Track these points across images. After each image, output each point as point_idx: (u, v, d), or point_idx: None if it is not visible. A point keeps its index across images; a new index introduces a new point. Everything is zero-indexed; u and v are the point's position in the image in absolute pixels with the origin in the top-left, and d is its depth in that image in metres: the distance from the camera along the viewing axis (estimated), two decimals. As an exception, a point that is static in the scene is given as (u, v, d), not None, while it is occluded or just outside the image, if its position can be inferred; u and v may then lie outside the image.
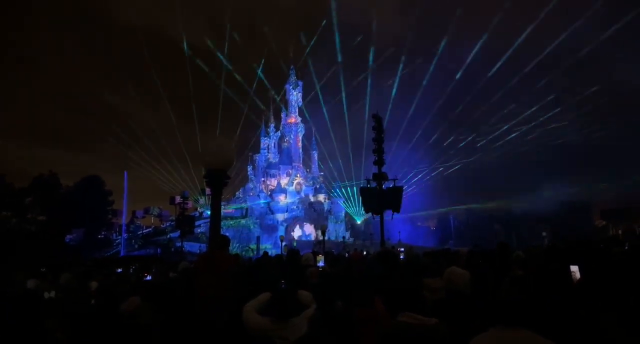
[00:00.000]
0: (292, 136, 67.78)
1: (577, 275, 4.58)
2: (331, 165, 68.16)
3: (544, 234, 47.77)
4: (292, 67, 69.37)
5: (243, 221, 60.37)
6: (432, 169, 65.86)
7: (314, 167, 69.40)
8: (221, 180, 5.79)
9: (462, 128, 67.09)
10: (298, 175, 65.70)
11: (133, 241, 56.77)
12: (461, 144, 66.75)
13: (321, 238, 27.24)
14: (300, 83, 68.88)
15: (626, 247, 8.41)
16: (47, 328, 6.24)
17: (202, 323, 4.93)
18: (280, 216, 61.22)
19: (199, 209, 64.25)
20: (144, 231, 60.01)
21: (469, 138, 66.38)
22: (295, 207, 62.38)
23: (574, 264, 4.64)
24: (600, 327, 3.08)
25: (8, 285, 7.65)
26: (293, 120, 68.19)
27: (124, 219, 57.70)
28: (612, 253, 6.34)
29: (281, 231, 57.38)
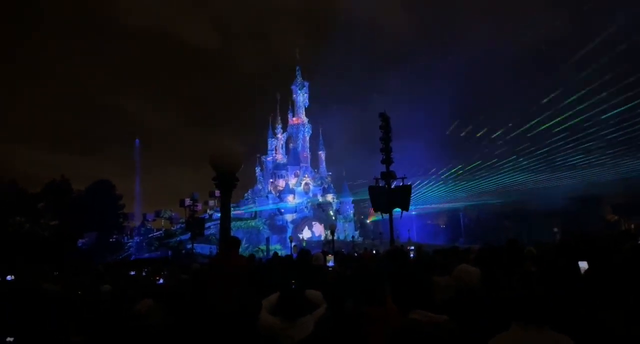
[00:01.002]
0: (299, 137, 67.88)
1: (585, 270, 4.57)
2: (340, 164, 68.35)
3: (555, 230, 47.33)
4: (298, 67, 69.60)
5: (252, 222, 60.56)
6: (446, 167, 65.49)
7: (322, 167, 69.45)
8: (230, 182, 5.85)
9: (477, 124, 66.59)
10: (306, 175, 65.79)
11: (144, 243, 57.19)
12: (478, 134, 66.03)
13: (330, 238, 27.25)
14: (306, 84, 69.01)
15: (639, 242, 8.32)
16: (61, 330, 6.34)
17: (214, 324, 4.97)
18: (289, 217, 61.32)
19: (208, 211, 64.57)
20: (155, 234, 60.38)
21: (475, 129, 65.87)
22: (304, 207, 62.46)
23: (582, 260, 4.63)
24: (602, 323, 3.07)
25: (23, 287, 7.77)
26: (300, 121, 68.29)
27: (138, 206, 58.12)
28: (623, 249, 6.28)
29: (290, 232, 57.47)
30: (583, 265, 4.68)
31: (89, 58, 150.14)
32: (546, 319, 2.33)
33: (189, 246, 38.53)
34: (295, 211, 61.99)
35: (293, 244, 44.35)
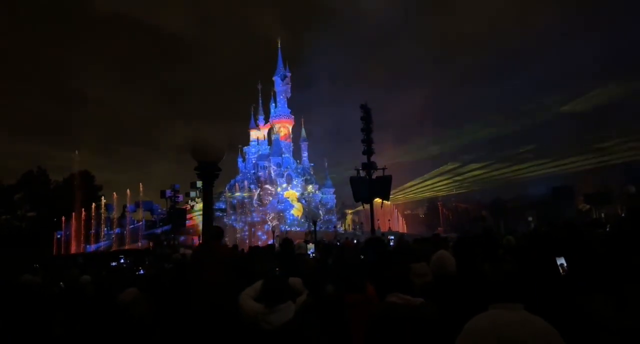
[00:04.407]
0: (281, 128, 67.66)
1: (565, 267, 4.56)
2: (323, 155, 68.57)
3: (529, 219, 48.64)
4: (280, 57, 69.09)
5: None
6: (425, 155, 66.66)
7: (304, 158, 69.46)
8: (212, 172, 5.89)
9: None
10: (288, 166, 65.73)
11: (125, 234, 56.52)
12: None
13: (312, 228, 27.45)
14: (288, 74, 68.55)
15: (607, 229, 8.68)
16: (45, 322, 6.33)
17: (198, 313, 5.05)
18: (271, 208, 61.30)
19: (189, 202, 64.00)
20: (136, 225, 59.66)
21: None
22: (286, 198, 62.54)
23: (559, 255, 4.61)
24: (588, 308, 3.19)
25: (5, 281, 7.72)
26: (281, 111, 68.01)
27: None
28: (594, 235, 6.53)
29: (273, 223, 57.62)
30: (560, 261, 4.64)
31: (62, 45, 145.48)
32: (519, 298, 2.43)
33: (170, 237, 38.33)
34: (278, 202, 62.00)
35: (276, 234, 44.54)
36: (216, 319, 4.81)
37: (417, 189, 72.00)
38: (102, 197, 54.80)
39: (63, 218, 48.15)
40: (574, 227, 5.67)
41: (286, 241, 7.64)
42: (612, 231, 7.49)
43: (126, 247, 48.69)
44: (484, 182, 65.53)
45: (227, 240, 47.31)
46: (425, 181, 71.14)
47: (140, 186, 54.41)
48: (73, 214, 48.08)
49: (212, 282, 5.09)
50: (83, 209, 50.03)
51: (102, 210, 53.97)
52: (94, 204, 51.78)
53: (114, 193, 55.29)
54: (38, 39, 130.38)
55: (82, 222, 51.28)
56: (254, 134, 70.13)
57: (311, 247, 8.40)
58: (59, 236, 48.63)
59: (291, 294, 3.78)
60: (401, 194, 70.40)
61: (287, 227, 57.55)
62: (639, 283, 3.04)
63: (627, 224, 4.47)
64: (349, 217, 69.34)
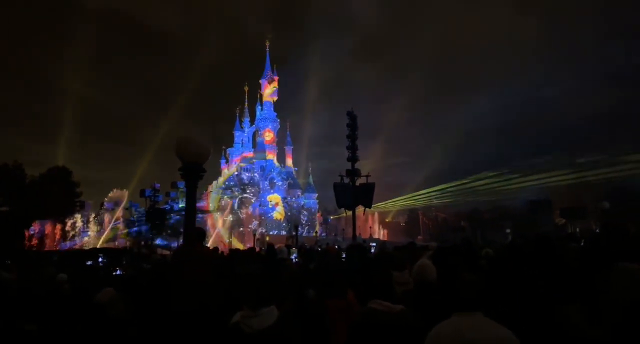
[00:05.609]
0: (266, 131, 67.52)
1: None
2: (307, 159, 68.67)
3: (507, 231, 49.68)
4: (267, 60, 69.16)
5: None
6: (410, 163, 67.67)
7: (288, 162, 69.43)
8: (197, 173, 5.83)
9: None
10: (272, 170, 65.58)
11: (100, 232, 55.49)
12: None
13: (294, 233, 27.41)
14: (275, 77, 68.57)
15: (582, 244, 8.89)
16: (17, 321, 6.17)
17: (178, 314, 5.01)
18: (253, 211, 60.98)
19: (169, 202, 63.17)
20: (115, 223, 58.60)
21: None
22: (268, 201, 62.34)
23: (531, 267, 4.71)
24: (560, 319, 3.28)
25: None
26: (267, 114, 67.92)
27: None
28: (567, 249, 6.68)
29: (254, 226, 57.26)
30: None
31: (45, 39, 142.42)
32: (479, 307, 2.56)
33: (149, 237, 37.78)
34: (260, 205, 61.73)
35: (257, 238, 44.35)
36: (200, 319, 4.78)
37: (400, 200, 72.88)
38: (80, 194, 53.78)
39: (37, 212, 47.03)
40: (546, 241, 5.77)
41: (271, 246, 7.67)
42: (586, 246, 7.66)
43: (100, 245, 47.76)
44: (465, 194, 66.68)
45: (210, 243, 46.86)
46: (409, 196, 72.15)
47: (127, 191, 53.47)
48: (47, 210, 46.93)
49: (199, 280, 5.05)
50: (60, 206, 48.93)
51: (78, 207, 52.98)
52: (71, 203, 50.82)
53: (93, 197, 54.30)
54: (21, 32, 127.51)
55: (58, 219, 50.18)
56: (238, 136, 69.81)
57: (294, 252, 8.41)
58: (32, 233, 47.47)
59: (274, 298, 3.77)
60: (383, 204, 71.01)
61: (268, 230, 57.29)
62: (609, 295, 3.15)
63: (603, 240, 4.61)
64: (331, 223, 69.61)
